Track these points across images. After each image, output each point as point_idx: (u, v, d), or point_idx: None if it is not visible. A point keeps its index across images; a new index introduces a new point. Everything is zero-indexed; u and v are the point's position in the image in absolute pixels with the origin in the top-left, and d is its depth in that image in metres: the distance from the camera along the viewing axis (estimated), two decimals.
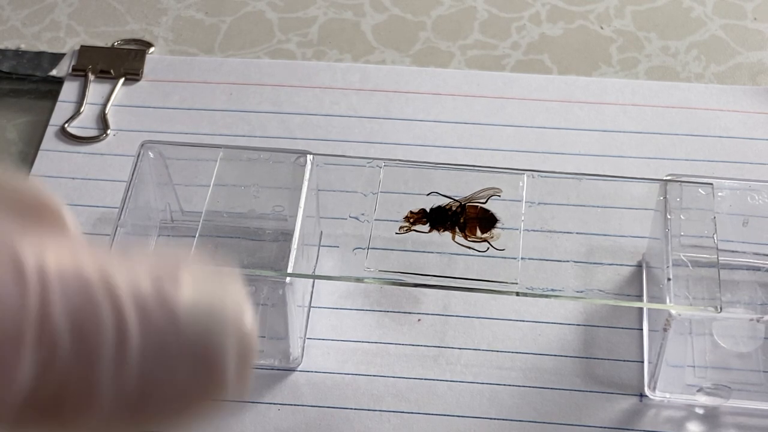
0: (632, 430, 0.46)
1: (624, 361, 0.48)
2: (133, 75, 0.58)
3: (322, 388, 0.47)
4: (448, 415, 0.47)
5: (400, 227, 0.47)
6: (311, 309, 0.50)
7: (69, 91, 0.58)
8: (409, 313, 0.50)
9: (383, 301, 0.50)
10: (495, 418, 0.47)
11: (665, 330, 0.44)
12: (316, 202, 0.49)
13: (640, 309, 0.49)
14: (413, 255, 0.48)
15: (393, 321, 0.49)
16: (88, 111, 0.57)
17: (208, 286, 0.26)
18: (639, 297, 0.50)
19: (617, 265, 0.50)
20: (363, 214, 0.47)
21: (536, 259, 0.46)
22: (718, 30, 0.61)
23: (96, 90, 0.58)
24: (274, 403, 0.47)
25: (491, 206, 0.47)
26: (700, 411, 0.46)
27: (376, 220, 0.47)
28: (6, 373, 0.23)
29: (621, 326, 0.49)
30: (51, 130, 0.56)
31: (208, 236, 0.46)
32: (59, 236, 0.26)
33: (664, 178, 0.47)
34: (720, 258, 0.45)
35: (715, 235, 0.45)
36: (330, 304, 0.50)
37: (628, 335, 0.49)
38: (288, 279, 0.44)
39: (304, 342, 0.48)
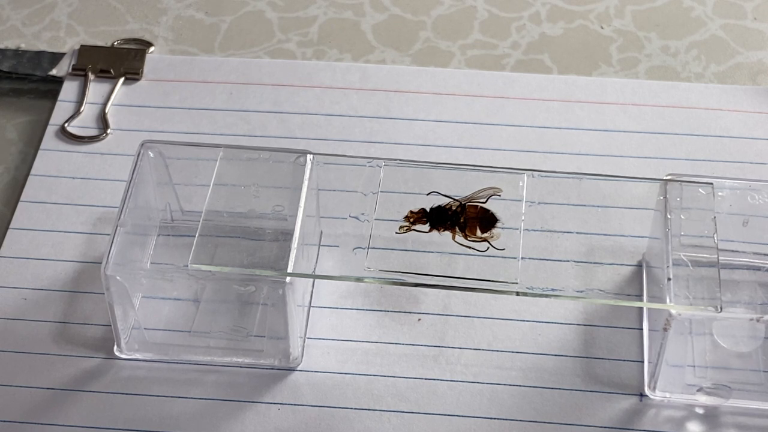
0: (632, 430, 0.46)
1: (624, 360, 0.48)
2: (133, 75, 0.58)
3: (322, 388, 0.47)
4: (448, 415, 0.47)
5: (400, 227, 0.47)
6: (311, 309, 0.50)
7: (69, 90, 0.58)
8: (409, 312, 0.50)
9: (383, 301, 0.50)
10: (495, 418, 0.47)
11: (665, 330, 0.44)
12: (316, 202, 0.49)
13: (640, 309, 0.49)
14: (413, 255, 0.48)
15: (393, 321, 0.49)
16: (88, 111, 0.57)
17: None
18: (639, 297, 0.50)
19: (617, 264, 0.50)
20: (363, 214, 0.47)
21: (536, 259, 0.46)
22: (718, 30, 0.61)
23: (96, 89, 0.58)
24: (274, 403, 0.47)
25: (491, 206, 0.47)
26: (700, 411, 0.46)
27: (376, 219, 0.47)
28: None
29: (621, 326, 0.49)
30: (51, 130, 0.56)
31: (208, 236, 0.46)
32: None
33: (664, 177, 0.47)
34: (720, 258, 0.45)
35: (715, 235, 0.45)
36: (330, 304, 0.50)
37: (628, 335, 0.49)
38: (288, 279, 0.44)
39: (304, 342, 0.48)
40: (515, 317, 0.49)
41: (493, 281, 0.45)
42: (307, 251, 0.48)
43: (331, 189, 0.49)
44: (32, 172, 0.54)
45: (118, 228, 0.46)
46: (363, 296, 0.50)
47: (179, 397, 0.47)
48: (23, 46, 0.60)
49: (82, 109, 0.57)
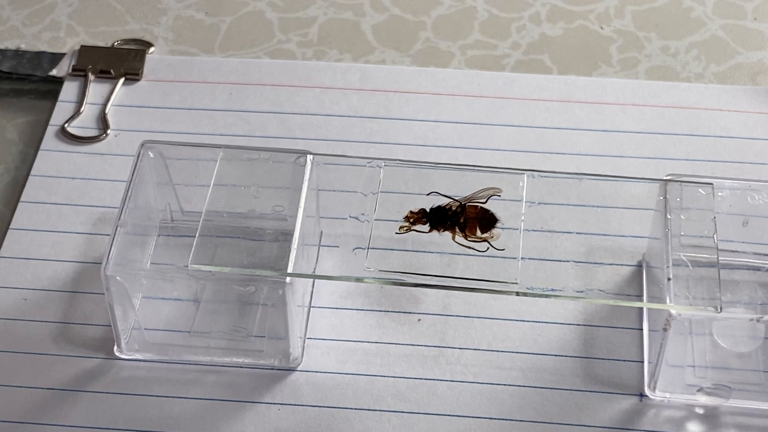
0: (632, 430, 0.46)
1: (624, 361, 0.48)
2: (133, 75, 0.58)
3: (322, 388, 0.47)
4: (448, 415, 0.47)
5: (400, 227, 0.47)
6: (311, 309, 0.50)
7: (69, 91, 0.58)
8: (409, 313, 0.50)
9: (383, 301, 0.50)
10: (495, 418, 0.47)
11: (665, 330, 0.44)
12: (316, 202, 0.49)
13: (640, 309, 0.49)
14: (413, 255, 0.48)
15: (393, 321, 0.49)
16: (88, 111, 0.57)
17: None
18: (639, 297, 0.50)
19: (617, 265, 0.50)
20: (363, 214, 0.47)
21: (536, 259, 0.46)
22: (718, 30, 0.61)
23: (96, 90, 0.58)
24: (274, 403, 0.47)
25: (491, 206, 0.47)
26: (700, 411, 0.46)
27: (376, 220, 0.47)
28: None
29: (621, 326, 0.49)
30: (51, 130, 0.56)
31: (208, 236, 0.46)
32: None
33: (664, 178, 0.47)
34: (720, 258, 0.45)
35: (715, 235, 0.45)
36: (330, 304, 0.50)
37: (628, 335, 0.49)
38: (288, 279, 0.44)
39: (304, 342, 0.48)
40: (515, 317, 0.49)
41: (493, 281, 0.45)
42: (307, 251, 0.48)
43: (331, 189, 0.49)
44: (32, 172, 0.54)
45: (118, 228, 0.46)
46: (363, 296, 0.50)
47: (179, 397, 0.47)
48: (23, 47, 0.60)
49: (82, 110, 0.57)
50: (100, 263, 0.45)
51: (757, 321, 0.44)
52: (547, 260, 0.47)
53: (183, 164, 0.49)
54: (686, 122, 0.56)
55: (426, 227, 0.47)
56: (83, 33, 0.61)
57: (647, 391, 0.47)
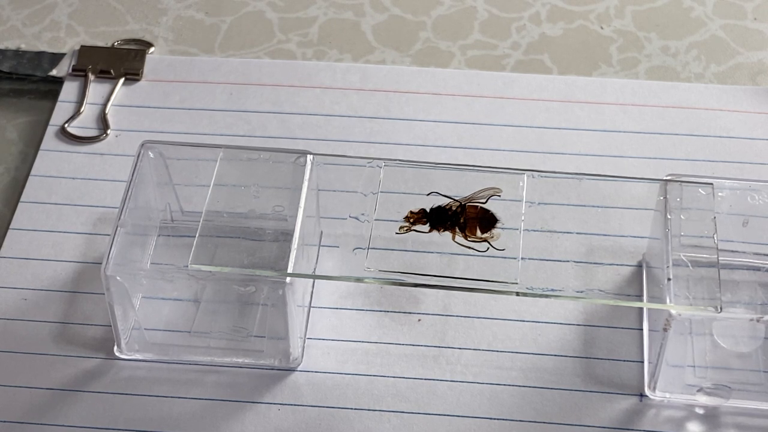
0: (632, 430, 0.46)
1: (624, 361, 0.48)
2: (133, 75, 0.58)
3: (322, 388, 0.47)
4: (448, 415, 0.47)
5: (400, 227, 0.47)
6: (311, 309, 0.50)
7: (69, 91, 0.58)
8: (409, 313, 0.50)
9: (383, 301, 0.50)
10: (495, 418, 0.47)
11: (665, 330, 0.44)
12: (316, 202, 0.49)
13: (640, 309, 0.49)
14: (413, 255, 0.48)
15: (393, 321, 0.49)
16: (88, 111, 0.57)
17: None
18: (639, 297, 0.50)
19: (617, 265, 0.50)
20: (363, 214, 0.47)
21: (536, 259, 0.46)
22: (718, 30, 0.61)
23: (96, 90, 0.58)
24: (274, 403, 0.47)
25: (491, 206, 0.47)
26: (700, 411, 0.46)
27: (376, 220, 0.47)
28: None
29: (621, 326, 0.49)
30: (51, 130, 0.56)
31: (208, 236, 0.46)
32: None
33: (664, 178, 0.47)
34: (720, 258, 0.45)
35: (715, 235, 0.45)
36: (330, 304, 0.50)
37: (628, 335, 0.49)
38: (288, 279, 0.44)
39: (304, 342, 0.48)
40: (515, 317, 0.49)
41: (493, 281, 0.45)
42: (307, 251, 0.48)
43: (331, 189, 0.49)
44: (32, 172, 0.54)
45: (118, 228, 0.46)
46: (363, 296, 0.50)
47: (179, 398, 0.47)
48: (23, 47, 0.60)
49: (82, 110, 0.57)
50: (100, 263, 0.45)
51: (757, 321, 0.44)
52: (547, 260, 0.47)
53: (183, 164, 0.49)
54: (686, 122, 0.56)
55: (426, 227, 0.47)
56: (83, 33, 0.61)
57: (647, 391, 0.47)
